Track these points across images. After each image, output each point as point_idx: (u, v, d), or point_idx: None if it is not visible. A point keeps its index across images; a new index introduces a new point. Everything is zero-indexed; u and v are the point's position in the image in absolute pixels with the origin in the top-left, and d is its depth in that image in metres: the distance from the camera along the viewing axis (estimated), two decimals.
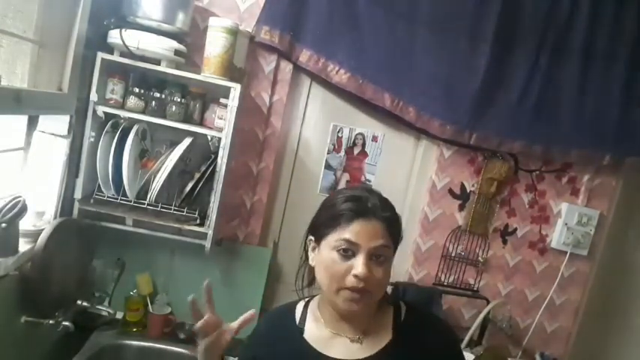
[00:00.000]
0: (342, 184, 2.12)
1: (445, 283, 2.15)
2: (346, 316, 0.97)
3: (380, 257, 0.91)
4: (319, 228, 0.97)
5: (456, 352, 1.03)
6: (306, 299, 1.09)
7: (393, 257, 0.95)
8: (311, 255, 1.01)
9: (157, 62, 1.62)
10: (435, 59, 1.92)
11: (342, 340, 0.97)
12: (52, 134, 1.51)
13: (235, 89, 1.65)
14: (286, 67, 1.93)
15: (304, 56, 1.87)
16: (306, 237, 1.04)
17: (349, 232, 0.91)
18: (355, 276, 0.89)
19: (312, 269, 1.01)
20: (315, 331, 1.01)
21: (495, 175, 2.06)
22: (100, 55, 1.59)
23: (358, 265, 0.89)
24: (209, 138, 1.77)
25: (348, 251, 0.90)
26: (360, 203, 0.93)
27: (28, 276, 1.33)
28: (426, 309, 1.11)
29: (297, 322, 1.03)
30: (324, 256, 0.94)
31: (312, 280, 1.04)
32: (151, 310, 1.84)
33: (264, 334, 1.09)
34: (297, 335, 1.01)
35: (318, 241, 0.97)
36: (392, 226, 0.94)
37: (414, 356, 0.95)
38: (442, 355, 0.97)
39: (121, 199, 1.69)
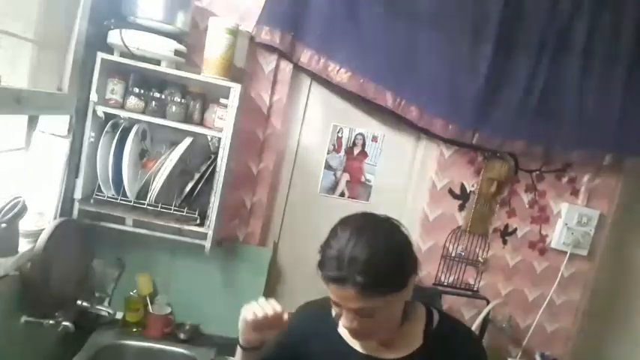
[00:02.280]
0: (342, 185, 2.12)
1: (445, 284, 2.15)
2: None
3: (365, 314, 0.90)
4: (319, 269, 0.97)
5: None
6: None
7: (396, 297, 0.91)
8: None
9: (157, 62, 1.62)
10: (437, 58, 1.92)
11: (373, 342, 1.00)
12: (52, 134, 1.51)
13: (235, 89, 1.65)
14: (286, 67, 1.93)
15: (305, 56, 1.87)
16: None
17: (330, 291, 0.93)
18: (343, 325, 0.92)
19: None
20: None
21: (495, 176, 2.06)
22: (100, 56, 1.59)
23: (343, 319, 0.92)
24: (209, 138, 1.78)
25: (335, 303, 0.93)
26: (336, 268, 0.89)
27: (28, 276, 1.33)
28: (456, 319, 1.10)
29: (334, 315, 1.01)
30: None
31: None
32: (150, 311, 1.84)
33: (301, 324, 1.10)
34: (332, 328, 1.04)
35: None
36: (371, 287, 0.87)
37: None
38: None
39: (121, 200, 1.69)
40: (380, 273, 0.88)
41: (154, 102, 1.68)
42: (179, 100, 1.69)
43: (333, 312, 0.96)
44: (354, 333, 0.95)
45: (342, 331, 1.02)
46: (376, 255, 0.88)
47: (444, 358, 0.98)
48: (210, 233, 1.72)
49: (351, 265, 0.87)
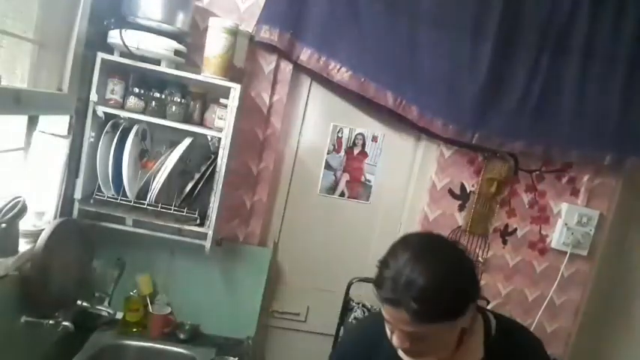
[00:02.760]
0: (342, 185, 2.12)
1: None
2: None
3: (416, 338, 0.89)
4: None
5: None
6: None
7: (446, 328, 0.89)
8: None
9: (157, 62, 1.62)
10: (437, 58, 1.92)
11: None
12: (52, 134, 1.51)
13: (235, 89, 1.65)
14: (286, 67, 1.93)
15: (305, 55, 1.87)
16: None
17: (384, 310, 0.90)
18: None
19: None
20: None
21: (495, 176, 2.06)
22: (100, 55, 1.59)
23: (394, 339, 0.90)
24: (209, 138, 1.78)
25: (387, 321, 0.92)
26: (391, 289, 0.87)
27: (28, 276, 1.33)
28: (515, 323, 1.07)
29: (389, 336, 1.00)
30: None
31: None
32: (151, 311, 1.84)
33: (356, 344, 1.09)
34: (390, 348, 0.98)
35: None
36: (425, 316, 0.85)
37: None
38: None
39: (121, 200, 1.69)
40: (436, 302, 0.85)
41: (153, 102, 1.68)
42: (179, 100, 1.69)
43: (387, 331, 0.93)
44: (406, 352, 0.92)
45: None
46: (435, 282, 0.84)
47: None
48: (210, 233, 1.72)
49: (408, 289, 0.84)
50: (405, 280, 0.85)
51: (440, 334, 0.89)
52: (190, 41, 1.75)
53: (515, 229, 2.17)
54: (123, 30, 1.55)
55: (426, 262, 0.86)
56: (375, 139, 2.10)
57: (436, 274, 0.85)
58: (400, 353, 0.97)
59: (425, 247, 0.90)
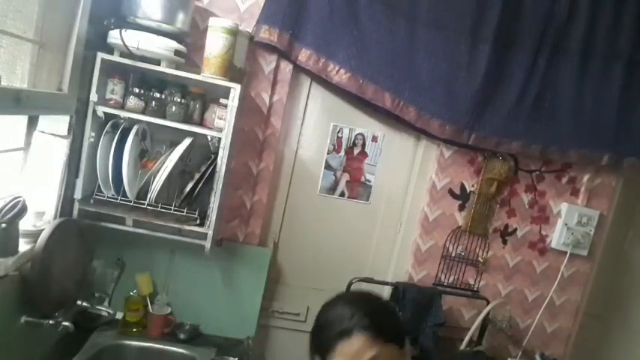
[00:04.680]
0: (341, 185, 2.12)
1: (445, 284, 2.15)
2: None
3: None
4: (318, 352, 0.97)
5: None
6: None
7: (400, 353, 0.92)
8: None
9: (157, 62, 1.62)
10: (435, 59, 1.92)
11: None
12: (52, 134, 1.51)
13: (235, 89, 1.65)
14: (286, 67, 1.93)
15: (304, 55, 1.87)
16: (311, 356, 1.01)
17: (339, 354, 0.91)
18: None
19: None
20: None
21: (495, 176, 2.07)
22: (100, 56, 1.58)
23: None
24: (209, 138, 1.77)
25: None
26: (340, 324, 0.91)
27: (28, 276, 1.33)
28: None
29: None
30: None
31: None
32: (150, 311, 1.84)
33: None
34: None
35: None
36: (379, 332, 0.90)
37: None
38: None
39: (120, 200, 1.69)
40: (383, 320, 0.93)
41: (153, 102, 1.68)
42: (179, 100, 1.69)
43: None
44: None
45: None
46: (375, 306, 0.95)
47: None
48: (210, 233, 1.71)
49: (355, 316, 0.90)
50: (350, 313, 0.91)
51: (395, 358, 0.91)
52: (190, 41, 1.75)
53: (515, 229, 2.17)
54: (123, 30, 1.55)
55: (361, 299, 0.97)
56: (375, 139, 2.10)
57: (373, 302, 0.97)
58: None
59: (353, 294, 1.01)
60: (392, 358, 0.91)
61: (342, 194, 2.13)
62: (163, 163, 1.68)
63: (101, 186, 1.68)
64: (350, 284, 1.98)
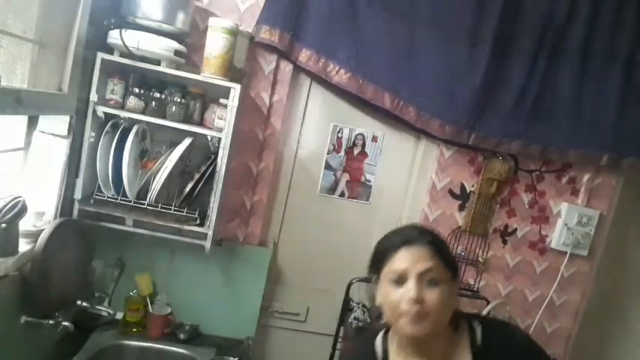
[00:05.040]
0: (341, 185, 2.12)
1: None
2: (417, 341, 0.99)
3: (432, 281, 0.95)
4: (375, 266, 1.04)
5: (536, 355, 1.05)
6: (384, 330, 1.11)
7: (452, 283, 0.98)
8: (376, 294, 1.05)
9: (157, 62, 1.62)
10: (435, 59, 1.92)
11: None
12: (52, 134, 1.51)
13: (235, 89, 1.65)
14: (286, 67, 1.93)
15: (304, 56, 1.87)
16: (369, 277, 1.08)
17: (396, 262, 0.98)
18: (409, 300, 0.93)
19: (381, 308, 1.04)
20: None
21: (495, 176, 2.07)
22: (100, 56, 1.59)
23: (409, 289, 0.94)
24: (209, 138, 1.77)
25: (399, 280, 0.97)
26: (401, 235, 1.01)
27: (28, 276, 1.33)
28: (502, 325, 1.11)
29: (379, 355, 1.06)
30: (383, 290, 1.01)
31: (381, 315, 1.08)
32: (150, 311, 1.84)
33: None
34: None
35: (377, 280, 1.04)
36: (438, 248, 0.98)
37: None
38: None
39: (120, 200, 1.69)
40: (443, 247, 1.01)
41: (153, 102, 1.68)
42: (179, 100, 1.69)
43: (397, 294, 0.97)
44: (416, 311, 0.93)
45: None
46: (438, 235, 1.03)
47: None
48: (210, 233, 1.71)
49: (420, 230, 1.03)
50: (416, 230, 1.03)
51: (445, 285, 0.96)
52: (190, 41, 1.75)
53: (515, 229, 2.17)
54: (123, 30, 1.56)
55: (425, 227, 1.05)
56: (375, 139, 2.10)
57: (435, 232, 1.04)
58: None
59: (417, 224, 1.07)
60: (445, 279, 0.96)
61: (342, 194, 2.13)
62: (163, 163, 1.68)
63: (101, 186, 1.68)
64: (350, 284, 1.98)
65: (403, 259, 0.97)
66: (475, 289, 2.17)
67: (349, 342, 1.17)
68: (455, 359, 1.00)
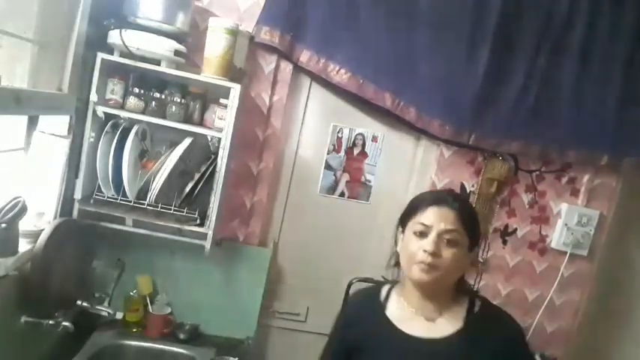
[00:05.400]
0: (342, 185, 2.12)
1: None
2: (422, 290, 1.10)
3: (450, 241, 1.05)
4: (404, 218, 1.14)
5: (521, 351, 1.13)
6: (391, 284, 1.23)
7: (466, 247, 1.08)
8: (398, 242, 1.17)
9: (157, 63, 1.62)
10: (435, 59, 1.92)
11: (418, 320, 1.11)
12: (52, 134, 1.51)
13: (235, 89, 1.65)
14: (286, 68, 1.93)
15: (304, 56, 1.87)
16: (397, 228, 1.18)
17: (424, 216, 1.08)
18: (425, 251, 1.04)
19: (398, 254, 1.16)
20: (395, 309, 1.15)
21: (495, 176, 2.06)
22: (100, 56, 1.59)
23: (428, 242, 1.05)
24: (209, 138, 1.77)
25: (422, 233, 1.07)
26: (436, 195, 1.14)
27: (28, 276, 1.33)
28: (501, 311, 1.18)
29: (382, 300, 1.18)
30: (405, 239, 1.11)
31: (397, 262, 1.18)
32: (150, 311, 1.84)
33: (352, 316, 1.24)
34: (380, 312, 1.15)
35: (403, 229, 1.14)
36: (464, 216, 1.07)
37: (479, 347, 1.06)
38: (508, 352, 1.07)
39: (121, 200, 1.69)
40: (470, 212, 1.11)
41: (153, 102, 1.68)
42: (179, 100, 1.69)
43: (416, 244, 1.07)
44: (430, 262, 1.03)
45: (390, 314, 1.14)
46: (469, 205, 1.16)
47: (482, 341, 1.07)
48: (210, 233, 1.72)
49: (451, 195, 1.13)
50: (449, 195, 1.12)
51: (461, 250, 1.06)
52: (190, 41, 1.75)
53: (515, 230, 2.17)
54: (123, 30, 1.55)
55: (460, 195, 1.17)
56: (375, 139, 2.10)
57: (467, 201, 1.18)
58: (394, 317, 1.12)
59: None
60: (462, 244, 1.06)
61: (342, 194, 2.13)
62: (163, 163, 1.68)
63: (101, 186, 1.68)
64: (350, 284, 1.98)
65: (430, 216, 1.07)
66: (475, 290, 2.17)
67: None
68: (448, 319, 1.09)
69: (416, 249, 1.06)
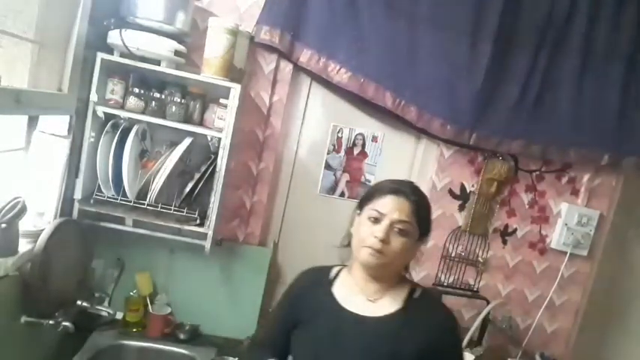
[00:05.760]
0: (341, 185, 2.12)
1: (445, 284, 2.15)
2: (367, 272, 1.15)
3: (401, 231, 1.09)
4: (363, 202, 1.17)
5: (453, 341, 1.17)
6: (343, 266, 1.27)
7: (415, 239, 1.13)
8: (354, 223, 1.20)
9: (157, 63, 1.62)
10: (436, 59, 1.92)
11: (361, 299, 1.15)
12: (52, 134, 1.51)
13: (235, 89, 1.65)
14: (286, 67, 1.93)
15: (305, 56, 1.87)
16: (355, 210, 1.21)
17: (380, 204, 1.11)
18: (375, 237, 1.08)
19: (351, 235, 1.20)
20: (341, 287, 1.19)
21: (495, 176, 2.06)
22: (100, 56, 1.59)
23: (379, 229, 1.08)
24: (209, 138, 1.78)
25: (376, 219, 1.10)
26: (395, 184, 1.14)
27: (28, 276, 1.33)
28: (440, 303, 1.26)
29: (331, 278, 1.23)
30: (360, 222, 1.15)
31: (349, 242, 1.22)
32: (150, 311, 1.84)
33: (300, 289, 1.27)
34: (327, 288, 1.20)
35: (360, 211, 1.17)
36: (419, 209, 1.11)
37: (412, 329, 1.10)
38: (439, 339, 1.11)
39: (120, 200, 1.69)
40: (425, 204, 1.16)
41: (153, 102, 1.68)
42: (179, 100, 1.69)
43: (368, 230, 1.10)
44: (378, 247, 1.08)
45: (335, 290, 1.18)
46: (424, 199, 1.16)
47: (417, 323, 1.11)
48: (210, 233, 1.72)
49: (409, 186, 1.15)
50: (408, 186, 1.14)
51: (410, 240, 1.10)
52: (190, 41, 1.75)
53: (515, 229, 2.17)
54: (123, 30, 1.56)
55: (417, 189, 1.16)
56: (375, 139, 2.10)
57: (423, 195, 1.16)
58: (339, 295, 1.17)
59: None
60: (412, 235, 1.11)
61: (342, 194, 2.13)
62: (163, 163, 1.68)
63: (101, 186, 1.68)
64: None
65: (386, 204, 1.10)
66: (475, 290, 2.17)
67: None
68: (388, 301, 1.14)
69: (367, 234, 1.10)
